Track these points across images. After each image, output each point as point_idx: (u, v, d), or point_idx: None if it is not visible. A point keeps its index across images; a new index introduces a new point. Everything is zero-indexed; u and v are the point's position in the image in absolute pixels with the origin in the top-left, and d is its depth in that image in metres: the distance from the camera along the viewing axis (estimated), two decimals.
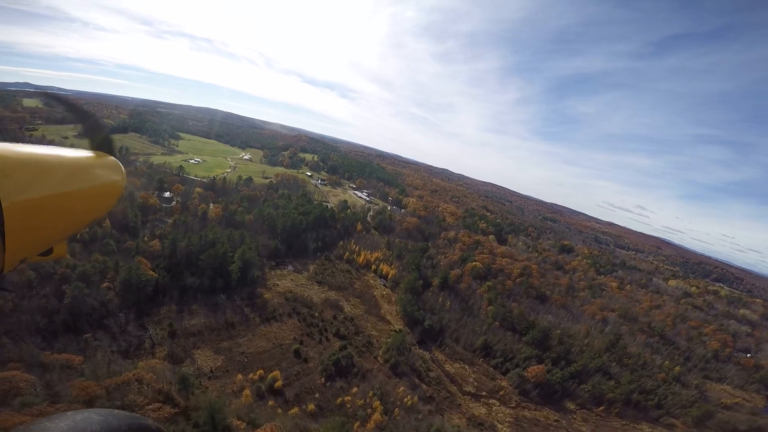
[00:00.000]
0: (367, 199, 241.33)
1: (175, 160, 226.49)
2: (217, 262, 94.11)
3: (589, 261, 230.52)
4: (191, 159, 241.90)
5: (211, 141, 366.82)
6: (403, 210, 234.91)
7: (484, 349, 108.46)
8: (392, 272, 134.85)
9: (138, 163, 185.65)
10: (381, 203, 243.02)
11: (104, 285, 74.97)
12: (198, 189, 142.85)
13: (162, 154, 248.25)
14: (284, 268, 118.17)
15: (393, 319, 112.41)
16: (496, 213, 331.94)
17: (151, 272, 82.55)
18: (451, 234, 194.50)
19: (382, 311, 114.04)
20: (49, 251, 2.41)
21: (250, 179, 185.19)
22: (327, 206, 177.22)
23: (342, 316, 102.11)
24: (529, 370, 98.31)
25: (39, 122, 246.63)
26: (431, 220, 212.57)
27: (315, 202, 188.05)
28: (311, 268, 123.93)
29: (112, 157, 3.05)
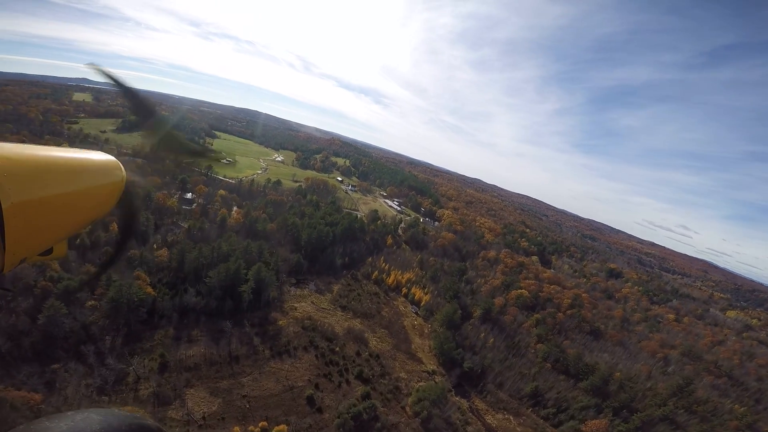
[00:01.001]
0: (399, 208, 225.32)
1: (205, 159, 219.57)
2: (228, 279, 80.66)
3: (640, 288, 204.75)
4: (222, 159, 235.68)
5: (247, 141, 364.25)
6: (437, 223, 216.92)
7: (533, 396, 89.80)
8: (426, 298, 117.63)
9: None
10: (413, 214, 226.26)
11: (90, 303, 62.82)
12: (221, 191, 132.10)
13: None
14: (305, 287, 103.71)
15: (425, 356, 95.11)
16: (536, 229, 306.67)
17: (149, 289, 69.93)
18: (492, 254, 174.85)
19: (412, 346, 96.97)
20: (49, 251, 2.37)
21: (278, 182, 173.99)
22: (356, 216, 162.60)
23: (366, 352, 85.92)
24: (588, 424, 79.64)
25: (82, 115, 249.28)
26: (469, 236, 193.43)
27: (344, 210, 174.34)
28: (335, 288, 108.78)
29: (113, 158, 2.91)
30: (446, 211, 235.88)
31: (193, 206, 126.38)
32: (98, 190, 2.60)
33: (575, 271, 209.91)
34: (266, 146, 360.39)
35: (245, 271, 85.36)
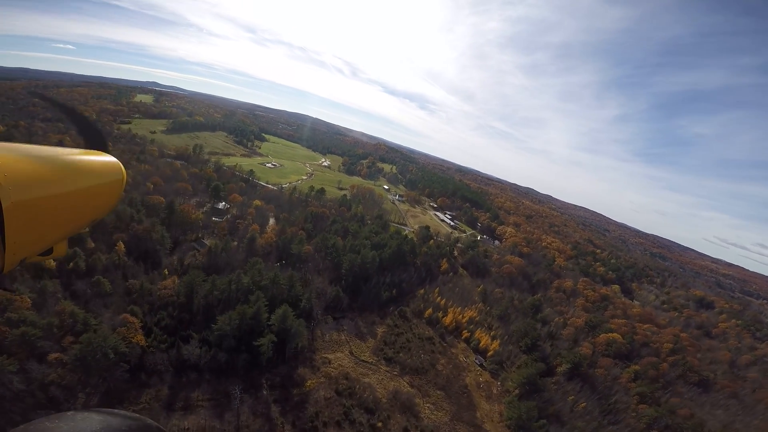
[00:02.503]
0: (452, 223, 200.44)
1: (250, 163, 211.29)
2: (245, 326, 62.21)
3: (739, 322, 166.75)
4: (268, 163, 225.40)
5: (295, 145, 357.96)
6: (497, 242, 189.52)
7: None
8: (493, 345, 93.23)
9: (209, 165, 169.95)
10: (468, 230, 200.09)
11: (54, 356, 46.48)
12: (257, 202, 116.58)
13: (241, 155, 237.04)
14: (342, 329, 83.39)
15: (496, 429, 71.18)
16: (604, 248, 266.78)
17: (138, 337, 52.83)
18: (568, 283, 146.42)
19: (478, 414, 73.44)
20: (50, 251, 2.39)
21: (322, 191, 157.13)
22: (405, 234, 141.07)
23: (418, 430, 63.47)
24: None
25: (137, 116, 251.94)
26: (538, 260, 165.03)
27: (391, 225, 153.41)
28: (379, 332, 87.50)
29: (113, 158, 2.99)
30: (508, 229, 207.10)
31: (225, 218, 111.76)
32: (98, 190, 2.60)
33: (663, 303, 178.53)
34: (314, 150, 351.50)
35: (267, 314, 66.60)
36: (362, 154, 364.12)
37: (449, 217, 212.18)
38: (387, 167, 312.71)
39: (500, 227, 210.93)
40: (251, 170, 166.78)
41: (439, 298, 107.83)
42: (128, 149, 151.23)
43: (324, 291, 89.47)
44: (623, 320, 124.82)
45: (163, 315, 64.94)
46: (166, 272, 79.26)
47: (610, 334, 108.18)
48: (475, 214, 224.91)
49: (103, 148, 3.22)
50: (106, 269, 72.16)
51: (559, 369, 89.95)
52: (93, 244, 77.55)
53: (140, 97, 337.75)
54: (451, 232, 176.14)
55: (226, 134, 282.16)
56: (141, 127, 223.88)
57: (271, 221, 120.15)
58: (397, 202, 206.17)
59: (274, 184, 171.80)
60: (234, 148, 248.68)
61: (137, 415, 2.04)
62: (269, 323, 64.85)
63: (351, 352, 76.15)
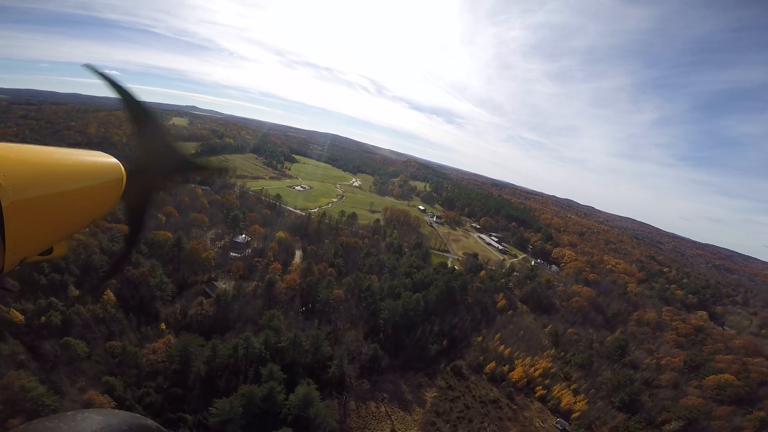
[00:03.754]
0: (500, 247, 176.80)
1: (279, 186, 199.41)
2: (254, 408, 44.00)
3: None
4: (297, 185, 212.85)
5: (326, 165, 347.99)
6: (554, 267, 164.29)
7: None
8: (579, 403, 70.33)
9: (233, 190, 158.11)
10: (519, 254, 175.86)
11: None
12: (280, 233, 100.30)
13: (270, 177, 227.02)
14: (382, 397, 63.56)
15: None
16: (670, 265, 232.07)
17: None
18: (650, 314, 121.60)
19: None
20: (50, 250, 2.40)
21: (353, 216, 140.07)
22: (450, 263, 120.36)
23: None
24: None
25: None
26: (609, 288, 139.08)
27: (432, 253, 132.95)
28: (429, 397, 67.38)
29: (112, 158, 2.84)
30: (565, 251, 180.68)
31: (245, 253, 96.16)
32: (98, 190, 2.58)
33: (760, 328, 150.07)
34: (344, 170, 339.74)
35: (285, 394, 48.17)
36: (393, 173, 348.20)
37: (495, 239, 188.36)
38: (420, 185, 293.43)
39: (556, 249, 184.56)
40: (278, 195, 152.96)
41: (501, 346, 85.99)
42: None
43: (358, 349, 70.43)
44: (729, 355, 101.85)
45: (149, 388, 48.24)
46: (164, 327, 63.45)
47: (720, 375, 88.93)
48: (525, 234, 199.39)
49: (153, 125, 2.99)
50: (87, 325, 57.00)
51: (668, 427, 70.38)
52: (77, 292, 63.24)
53: (176, 120, 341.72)
54: (503, 259, 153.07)
55: (255, 156, 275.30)
56: None
57: (298, 254, 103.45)
58: (435, 225, 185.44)
59: (302, 209, 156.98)
60: (263, 171, 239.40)
61: (137, 414, 2.04)
62: (285, 403, 46.23)
63: None
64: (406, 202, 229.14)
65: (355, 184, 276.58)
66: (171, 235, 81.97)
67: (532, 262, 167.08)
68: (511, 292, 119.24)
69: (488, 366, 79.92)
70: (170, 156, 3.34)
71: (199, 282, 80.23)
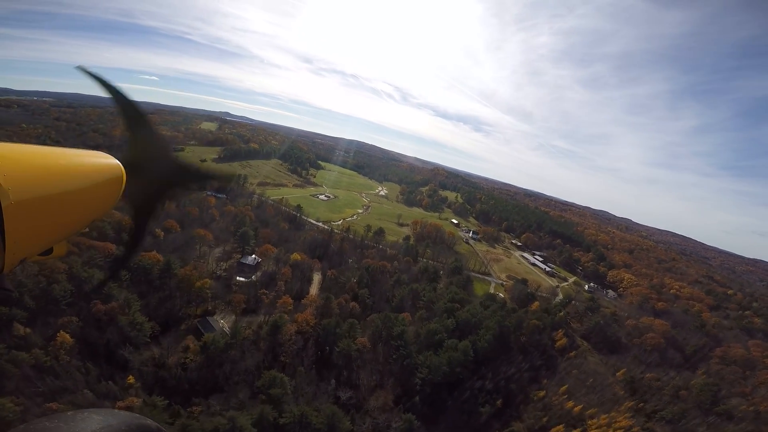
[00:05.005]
0: (547, 268, 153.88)
1: (302, 194, 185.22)
2: None
3: None
4: (321, 194, 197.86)
5: (351, 172, 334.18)
6: (610, 293, 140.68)
7: None
8: None
9: (252, 199, 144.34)
10: (569, 276, 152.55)
11: None
12: (295, 255, 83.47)
13: (294, 185, 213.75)
14: None
15: None
16: (731, 286, 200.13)
17: None
18: (737, 350, 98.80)
19: None
20: (50, 251, 2.35)
21: (380, 232, 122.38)
22: (498, 296, 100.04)
23: None
24: None
25: (192, 143, 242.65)
26: (682, 320, 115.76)
27: (472, 277, 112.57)
28: None
29: (112, 158, 2.78)
30: (624, 274, 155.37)
31: (254, 277, 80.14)
32: (98, 190, 2.53)
33: None
34: (370, 178, 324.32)
35: None
36: (421, 181, 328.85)
37: (540, 259, 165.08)
38: (451, 195, 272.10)
39: (611, 271, 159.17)
40: (298, 205, 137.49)
41: (569, 401, 65.19)
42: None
43: (387, 422, 51.89)
44: None
45: None
46: (132, 381, 47.51)
47: None
48: (575, 253, 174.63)
49: (145, 130, 2.99)
50: (26, 378, 41.82)
51: None
52: (25, 330, 48.58)
53: (206, 125, 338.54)
54: (557, 286, 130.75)
55: (281, 162, 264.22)
56: (193, 155, 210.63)
57: (316, 279, 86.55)
58: (471, 242, 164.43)
59: (324, 222, 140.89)
60: (287, 178, 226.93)
61: (137, 414, 2.03)
62: None
63: None
64: (436, 214, 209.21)
65: (381, 193, 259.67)
66: (162, 257, 66.74)
67: (585, 287, 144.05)
68: (568, 326, 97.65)
69: (555, 430, 59.81)
70: (163, 159, 3.14)
71: (191, 316, 64.54)
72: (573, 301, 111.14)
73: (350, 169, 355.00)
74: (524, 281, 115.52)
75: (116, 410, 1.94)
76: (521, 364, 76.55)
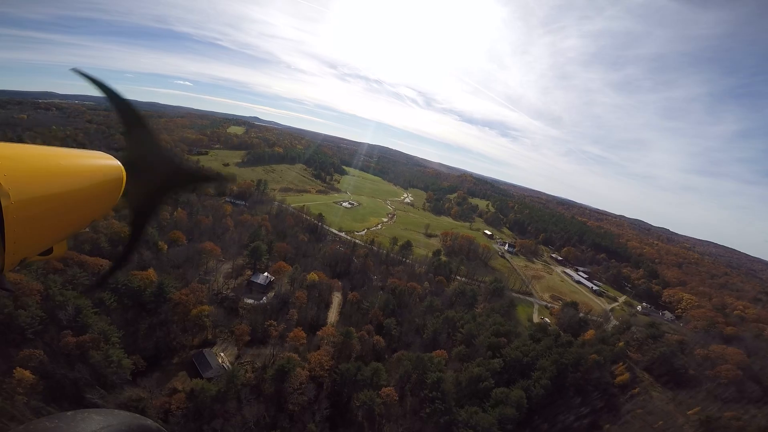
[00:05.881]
0: (593, 286, 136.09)
1: (325, 201, 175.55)
2: None
3: None
4: (344, 201, 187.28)
5: (375, 178, 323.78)
6: (666, 314, 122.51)
7: None
8: None
9: (273, 204, 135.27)
10: (618, 295, 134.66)
11: None
12: (312, 275, 71.94)
13: (317, 191, 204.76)
14: None
15: None
16: None
17: None
18: None
19: None
20: (50, 251, 2.35)
21: (407, 246, 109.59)
22: (535, 314, 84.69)
23: None
24: None
25: (217, 146, 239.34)
26: (754, 346, 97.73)
27: (513, 297, 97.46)
28: None
29: (113, 158, 2.78)
30: (683, 293, 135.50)
31: (265, 299, 69.33)
32: (98, 190, 2.52)
33: None
34: (395, 184, 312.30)
35: None
36: (448, 188, 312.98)
37: (585, 275, 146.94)
38: (481, 203, 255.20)
39: (666, 290, 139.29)
40: (320, 214, 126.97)
41: None
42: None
43: None
44: None
45: None
46: None
47: None
48: (624, 270, 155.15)
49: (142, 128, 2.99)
50: None
51: None
52: None
53: (233, 129, 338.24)
54: (611, 310, 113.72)
55: (305, 167, 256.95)
56: (216, 159, 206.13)
57: (335, 302, 74.84)
58: (508, 256, 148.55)
59: (347, 232, 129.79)
60: (310, 183, 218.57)
61: (137, 414, 2.03)
62: None
63: None
64: (467, 224, 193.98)
65: (407, 200, 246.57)
66: (157, 277, 56.84)
67: (639, 308, 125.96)
68: (628, 357, 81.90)
69: None
70: (161, 160, 3.13)
71: (187, 347, 54.10)
72: (632, 328, 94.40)
73: (374, 174, 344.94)
74: (574, 304, 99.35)
75: (116, 410, 1.93)
76: (580, 408, 62.42)
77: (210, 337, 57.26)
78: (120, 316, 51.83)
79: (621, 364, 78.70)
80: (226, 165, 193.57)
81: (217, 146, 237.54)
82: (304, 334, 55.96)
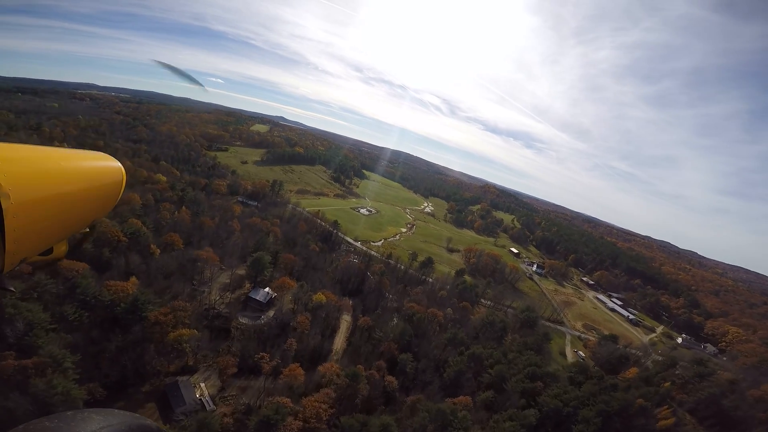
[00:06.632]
0: (630, 315, 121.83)
1: (342, 206, 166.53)
2: None
3: None
4: (362, 207, 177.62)
5: (395, 184, 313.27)
6: (708, 347, 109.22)
7: None
8: None
9: (287, 207, 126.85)
10: (655, 325, 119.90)
11: None
12: (320, 295, 61.94)
13: (335, 195, 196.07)
14: None
15: None
16: None
17: None
18: None
19: None
20: (50, 251, 2.39)
21: (428, 263, 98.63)
22: (575, 353, 71.74)
23: None
24: None
25: (238, 143, 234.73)
26: None
27: (544, 325, 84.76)
28: None
29: (112, 158, 2.85)
30: (730, 328, 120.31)
31: (264, 318, 59.87)
32: (98, 190, 2.54)
33: None
34: (415, 191, 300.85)
35: None
36: (470, 199, 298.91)
37: (619, 302, 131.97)
38: (507, 218, 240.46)
39: (710, 321, 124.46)
40: (335, 221, 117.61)
41: None
42: (193, 181, 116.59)
43: None
44: None
45: None
46: None
47: None
48: (663, 299, 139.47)
49: None
50: None
51: None
52: None
53: (256, 127, 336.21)
54: (653, 344, 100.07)
55: (325, 169, 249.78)
56: (236, 156, 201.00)
57: (343, 328, 64.66)
58: (536, 278, 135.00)
59: (363, 242, 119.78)
60: (329, 186, 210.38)
61: (137, 415, 2.03)
62: None
63: None
64: (491, 239, 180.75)
65: (427, 209, 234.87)
66: (135, 289, 48.09)
67: (678, 340, 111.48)
68: (672, 399, 69.02)
69: None
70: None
71: (162, 374, 44.87)
72: (678, 364, 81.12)
73: (394, 180, 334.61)
74: (613, 338, 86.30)
75: (116, 410, 1.92)
76: None
77: (191, 363, 47.96)
78: (84, 334, 43.23)
79: (666, 408, 66.83)
80: (244, 163, 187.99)
81: (237, 143, 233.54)
82: (302, 372, 45.81)
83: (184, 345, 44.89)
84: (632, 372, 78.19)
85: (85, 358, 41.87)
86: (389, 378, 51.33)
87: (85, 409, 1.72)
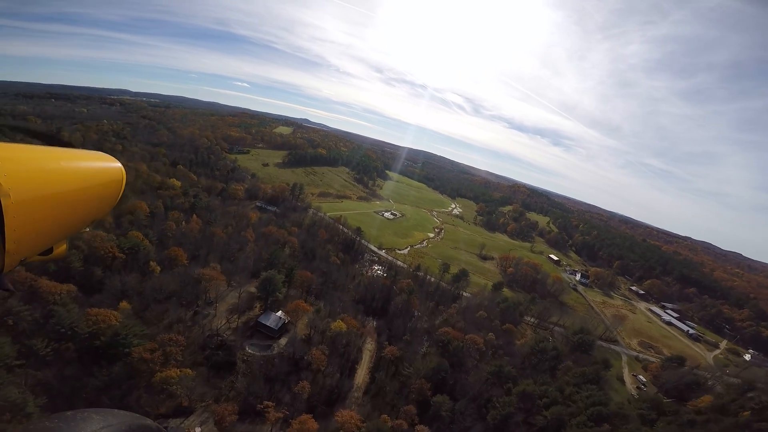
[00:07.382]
0: (689, 329, 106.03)
1: (365, 210, 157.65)
2: None
3: None
4: (386, 211, 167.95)
5: (420, 185, 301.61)
6: None
7: None
8: None
9: (307, 213, 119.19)
10: (717, 339, 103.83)
11: None
12: (340, 323, 52.69)
13: (358, 198, 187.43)
14: None
15: None
16: None
17: None
18: None
19: None
20: (50, 251, 2.39)
21: (463, 276, 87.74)
22: (635, 378, 59.04)
23: None
24: None
25: (260, 145, 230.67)
26: None
27: (600, 348, 71.99)
28: None
29: (113, 158, 2.85)
30: None
31: (274, 349, 51.44)
32: (98, 190, 2.54)
33: None
34: (441, 192, 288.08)
35: None
36: (500, 199, 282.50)
37: (674, 315, 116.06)
38: (540, 220, 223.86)
39: None
40: (358, 228, 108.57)
41: None
42: (210, 185, 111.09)
43: None
44: None
45: None
46: None
47: None
48: (725, 310, 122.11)
49: None
50: None
51: None
52: None
53: (280, 129, 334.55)
54: (719, 360, 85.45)
55: (347, 170, 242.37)
56: (259, 157, 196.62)
57: (366, 357, 55.26)
58: (581, 288, 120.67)
59: (388, 249, 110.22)
60: (351, 188, 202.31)
61: (137, 414, 2.02)
62: None
63: None
64: (527, 244, 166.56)
65: (455, 211, 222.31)
66: (119, 320, 40.59)
67: (746, 357, 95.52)
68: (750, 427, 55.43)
69: None
70: None
71: (152, 416, 36.42)
72: (757, 387, 67.01)
73: (419, 180, 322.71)
74: (680, 360, 72.70)
75: (116, 410, 1.92)
76: None
77: (185, 403, 39.92)
78: (56, 370, 36.02)
79: None
80: (265, 165, 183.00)
81: (260, 145, 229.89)
82: (315, 426, 36.66)
83: (175, 387, 36.80)
84: (705, 400, 65.52)
85: (58, 398, 34.74)
86: (420, 429, 41.40)
87: (85, 409, 1.72)
